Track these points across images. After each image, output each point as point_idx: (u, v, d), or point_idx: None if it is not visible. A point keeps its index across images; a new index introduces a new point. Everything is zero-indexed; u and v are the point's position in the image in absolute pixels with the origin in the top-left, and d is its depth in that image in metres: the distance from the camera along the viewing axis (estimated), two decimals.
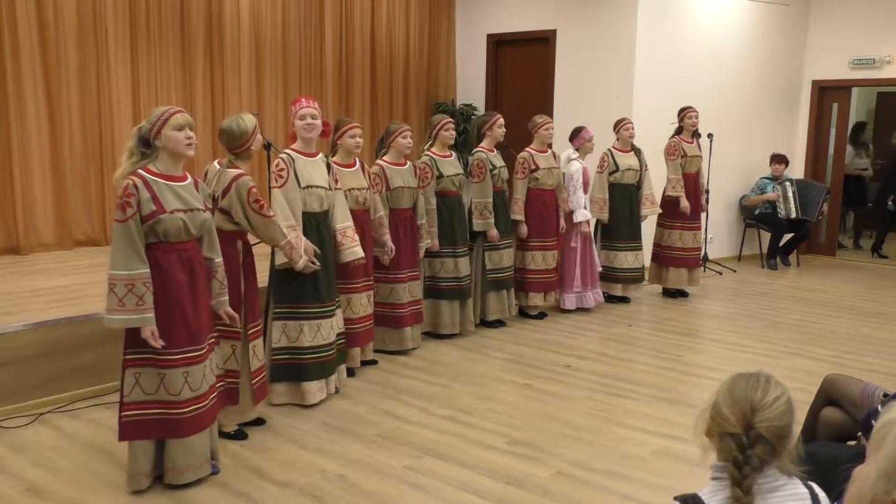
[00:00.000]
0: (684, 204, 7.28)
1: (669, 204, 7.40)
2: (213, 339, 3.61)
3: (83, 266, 6.27)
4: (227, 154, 4.03)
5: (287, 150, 4.52)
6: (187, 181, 3.43)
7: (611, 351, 5.89)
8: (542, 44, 9.29)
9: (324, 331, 4.58)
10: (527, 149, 6.54)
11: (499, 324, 6.41)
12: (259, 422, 4.29)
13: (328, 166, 4.65)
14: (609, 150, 7.13)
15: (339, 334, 4.79)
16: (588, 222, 6.82)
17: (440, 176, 5.82)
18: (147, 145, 3.34)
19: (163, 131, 3.31)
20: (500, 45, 9.82)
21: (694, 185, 7.44)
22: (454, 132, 6.01)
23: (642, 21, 8.38)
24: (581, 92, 8.93)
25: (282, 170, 4.40)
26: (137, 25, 7.21)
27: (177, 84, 7.54)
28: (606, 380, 5.22)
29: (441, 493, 3.57)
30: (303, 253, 4.31)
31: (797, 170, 10.25)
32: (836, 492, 1.83)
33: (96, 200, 7.11)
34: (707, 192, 8.91)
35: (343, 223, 4.69)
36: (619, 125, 7.15)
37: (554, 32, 9.15)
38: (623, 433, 4.32)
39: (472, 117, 9.75)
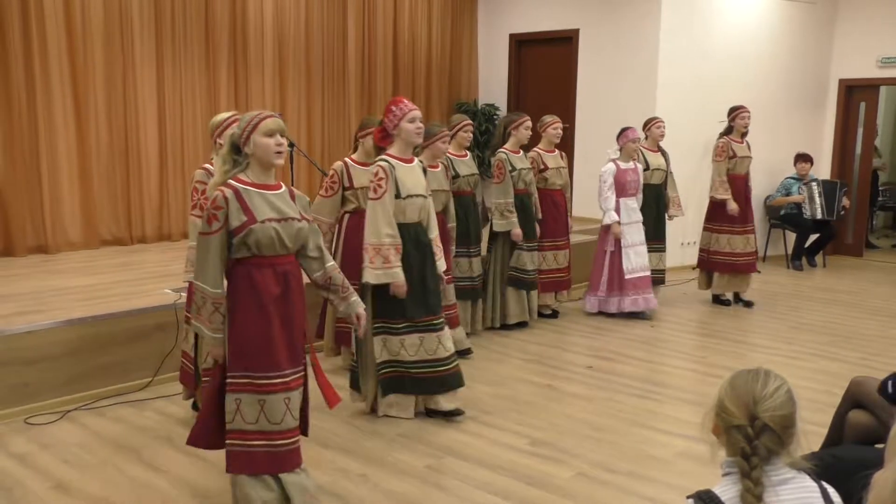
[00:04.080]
0: (732, 206, 6.93)
1: (717, 207, 7.10)
2: (304, 367, 3.28)
3: (110, 265, 6.34)
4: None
5: (386, 157, 4.22)
6: (281, 190, 3.17)
7: (633, 352, 5.85)
8: (564, 43, 9.27)
9: (427, 345, 4.31)
10: (534, 148, 6.48)
11: (520, 324, 6.39)
12: None
13: (424, 170, 4.43)
14: (639, 148, 7.08)
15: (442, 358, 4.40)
16: (618, 225, 6.54)
17: (456, 176, 5.80)
18: (239, 152, 3.12)
19: (252, 137, 3.06)
20: (522, 45, 9.81)
21: (744, 186, 7.10)
22: (472, 134, 5.98)
23: (666, 20, 8.33)
24: (604, 91, 8.90)
25: (381, 179, 4.11)
26: (163, 26, 7.29)
27: (201, 85, 7.61)
28: (629, 381, 5.20)
29: (462, 493, 3.57)
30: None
31: (824, 169, 10.13)
32: (856, 498, 1.82)
33: (122, 200, 7.19)
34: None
35: (432, 234, 4.45)
36: (650, 124, 7.08)
37: (577, 32, 9.12)
38: (646, 434, 4.30)
39: (495, 117, 9.76)
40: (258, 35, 7.98)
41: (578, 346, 5.99)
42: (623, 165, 6.61)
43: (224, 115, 4.19)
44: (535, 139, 6.59)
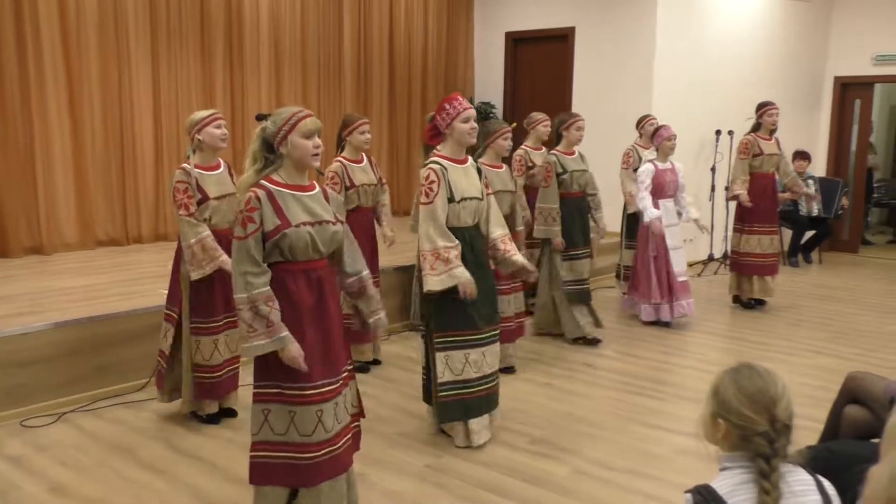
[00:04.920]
0: (744, 197, 6.76)
1: (745, 208, 6.87)
2: (346, 373, 3.13)
3: (106, 266, 6.32)
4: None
5: (437, 159, 3.97)
6: (315, 191, 3.02)
7: (631, 349, 5.85)
8: (560, 41, 9.27)
9: (489, 358, 4.09)
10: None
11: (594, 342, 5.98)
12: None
13: (478, 171, 4.14)
14: (633, 146, 7.06)
15: (496, 370, 4.19)
16: (659, 222, 6.23)
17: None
18: (271, 150, 2.97)
19: (289, 137, 2.91)
20: (518, 43, 9.80)
21: (771, 185, 6.92)
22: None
23: (662, 17, 8.34)
24: (600, 89, 8.90)
25: (433, 182, 3.87)
26: (158, 25, 7.26)
27: (197, 83, 7.59)
28: (627, 378, 5.20)
29: (461, 492, 3.57)
30: (206, 266, 4.03)
31: (819, 167, 10.16)
32: (851, 493, 1.82)
33: (118, 200, 7.17)
34: (727, 188, 8.86)
35: (501, 231, 4.17)
36: (643, 122, 7.06)
37: (573, 30, 9.12)
38: (644, 432, 4.30)
39: (491, 115, 9.75)
40: (254, 31, 7.97)
41: (576, 343, 5.98)
42: (661, 166, 6.32)
43: (202, 113, 4.21)
44: (521, 138, 6.40)
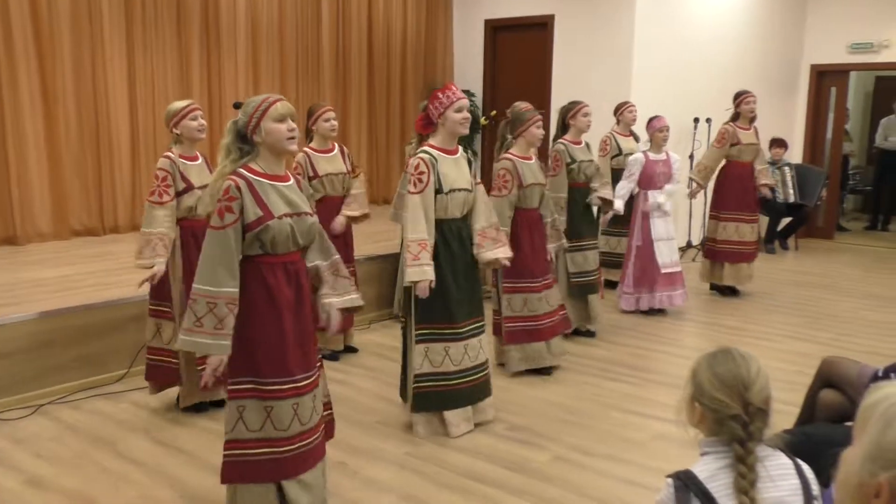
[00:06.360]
0: (695, 189, 7.01)
1: (722, 195, 6.97)
2: (320, 364, 3.12)
3: (81, 256, 6.25)
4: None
5: (428, 149, 3.94)
6: (291, 181, 2.96)
7: (608, 335, 5.88)
8: (540, 29, 9.25)
9: (471, 352, 4.07)
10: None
11: (588, 334, 5.89)
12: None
13: (469, 162, 4.08)
14: (611, 133, 7.07)
15: (482, 363, 4.18)
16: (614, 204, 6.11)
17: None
18: (245, 140, 2.89)
19: (262, 124, 2.84)
20: (497, 31, 9.78)
21: (750, 174, 6.92)
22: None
23: (640, 6, 8.35)
24: (579, 77, 8.90)
25: (422, 173, 3.83)
26: (133, 10, 7.14)
27: (173, 70, 7.49)
28: (605, 365, 5.23)
29: (441, 479, 3.58)
30: (143, 259, 4.07)
31: (795, 154, 10.25)
32: (825, 475, 1.85)
33: (93, 190, 7.07)
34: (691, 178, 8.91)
35: (481, 223, 4.11)
36: (621, 108, 7.06)
37: (552, 18, 9.11)
38: (622, 418, 4.34)
39: (470, 104, 9.72)
40: (231, 19, 7.87)
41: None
42: (653, 156, 6.31)
43: (178, 104, 4.19)
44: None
